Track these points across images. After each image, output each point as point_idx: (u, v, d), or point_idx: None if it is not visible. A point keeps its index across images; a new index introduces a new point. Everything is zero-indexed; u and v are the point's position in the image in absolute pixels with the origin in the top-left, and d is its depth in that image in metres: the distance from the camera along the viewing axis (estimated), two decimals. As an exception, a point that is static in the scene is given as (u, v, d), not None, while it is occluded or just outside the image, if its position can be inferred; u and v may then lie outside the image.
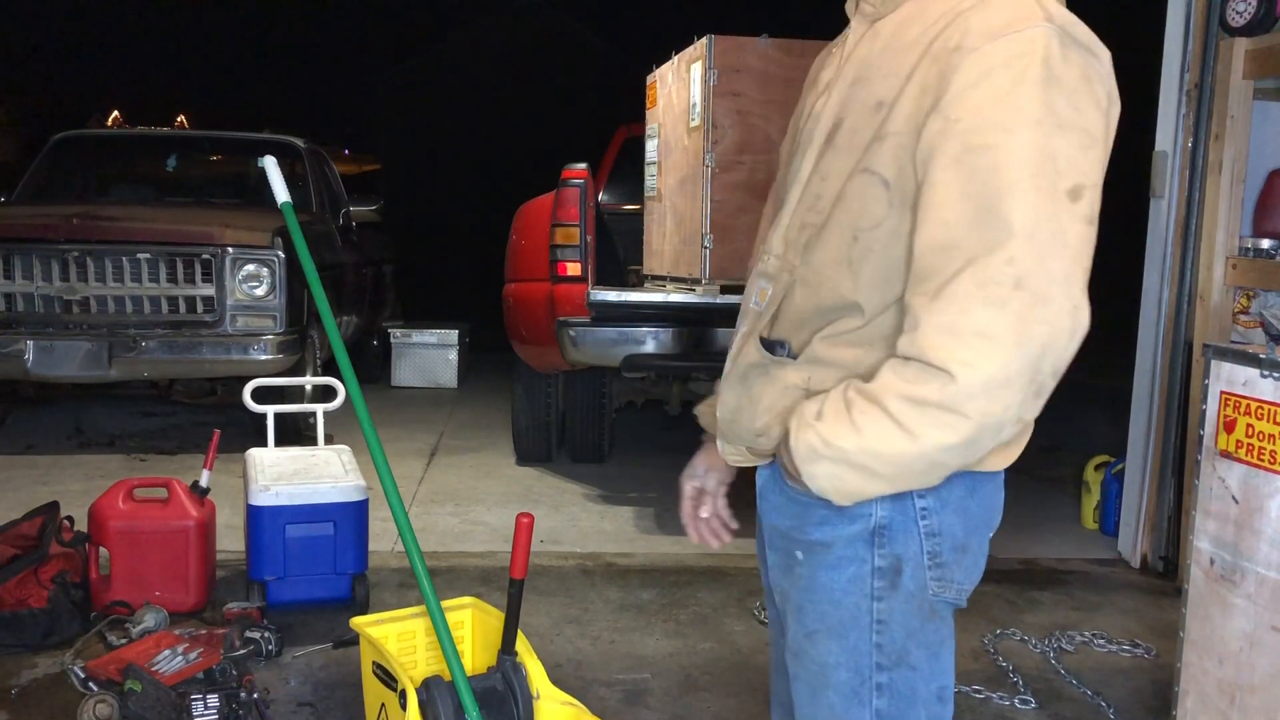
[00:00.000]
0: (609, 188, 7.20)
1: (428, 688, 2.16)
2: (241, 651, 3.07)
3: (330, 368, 5.55)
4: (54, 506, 3.57)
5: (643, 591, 3.89)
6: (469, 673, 2.23)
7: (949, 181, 1.23)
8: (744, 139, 4.22)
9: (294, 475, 3.61)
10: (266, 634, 3.18)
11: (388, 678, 2.32)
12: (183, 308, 5.43)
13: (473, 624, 2.58)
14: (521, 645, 2.32)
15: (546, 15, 19.39)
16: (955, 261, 1.21)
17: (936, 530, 1.37)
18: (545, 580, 3.94)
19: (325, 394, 4.27)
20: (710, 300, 4.30)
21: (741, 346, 1.48)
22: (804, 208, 1.42)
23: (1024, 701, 3.07)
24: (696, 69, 4.29)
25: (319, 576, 3.54)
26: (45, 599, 3.26)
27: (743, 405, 1.46)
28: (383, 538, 4.19)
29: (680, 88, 4.54)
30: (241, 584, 3.67)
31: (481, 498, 5.17)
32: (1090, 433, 5.90)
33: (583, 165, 4.68)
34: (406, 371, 8.52)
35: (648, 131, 5.11)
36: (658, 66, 4.94)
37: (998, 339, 1.18)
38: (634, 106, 5.92)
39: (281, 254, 5.47)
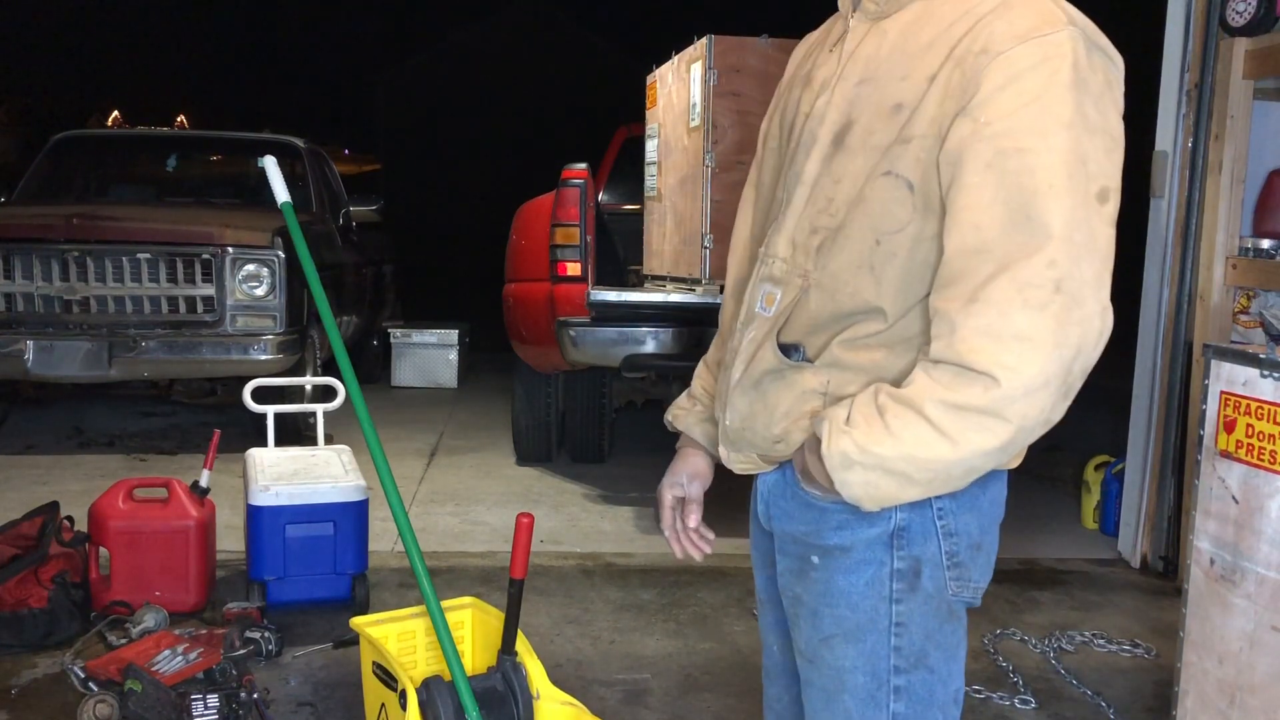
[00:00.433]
0: (609, 188, 7.20)
1: (428, 688, 2.16)
2: (241, 651, 3.06)
3: (330, 368, 5.55)
4: (54, 506, 3.57)
5: (643, 591, 3.89)
6: (469, 673, 2.23)
7: (981, 185, 1.22)
8: (744, 139, 4.21)
9: (294, 475, 3.61)
10: (266, 634, 3.18)
11: (388, 678, 2.32)
12: (183, 308, 5.43)
13: (473, 624, 2.58)
14: (521, 645, 2.32)
15: (546, 15, 19.40)
16: (988, 265, 1.21)
17: (954, 530, 1.37)
18: (545, 580, 3.94)
19: (325, 394, 4.27)
20: (710, 300, 4.30)
21: (754, 352, 1.43)
22: (814, 210, 1.39)
23: (1024, 701, 3.07)
24: (696, 69, 4.29)
25: (319, 576, 3.54)
26: (45, 599, 3.26)
27: (757, 412, 1.43)
28: (383, 538, 4.19)
29: (680, 88, 4.54)
30: (241, 584, 3.66)
31: (481, 498, 5.17)
32: (1090, 433, 5.89)
33: (583, 165, 4.68)
34: (406, 371, 8.52)
35: (648, 131, 5.11)
36: (658, 66, 4.94)
37: (1037, 342, 1.19)
38: (634, 106, 5.92)
39: (281, 254, 5.47)
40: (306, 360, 5.83)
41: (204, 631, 3.27)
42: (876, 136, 1.33)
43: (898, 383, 1.29)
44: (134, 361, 5.36)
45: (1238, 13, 3.73)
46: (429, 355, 8.53)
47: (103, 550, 3.48)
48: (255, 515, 3.48)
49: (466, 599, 2.62)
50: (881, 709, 1.39)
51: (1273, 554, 2.29)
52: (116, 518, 3.46)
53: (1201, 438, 2.51)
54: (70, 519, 3.57)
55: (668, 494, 1.67)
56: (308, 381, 4.95)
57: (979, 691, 3.10)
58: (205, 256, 5.42)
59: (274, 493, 3.48)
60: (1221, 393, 2.46)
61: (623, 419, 6.25)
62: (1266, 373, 2.35)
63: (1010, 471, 1.44)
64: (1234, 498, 2.40)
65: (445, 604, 2.36)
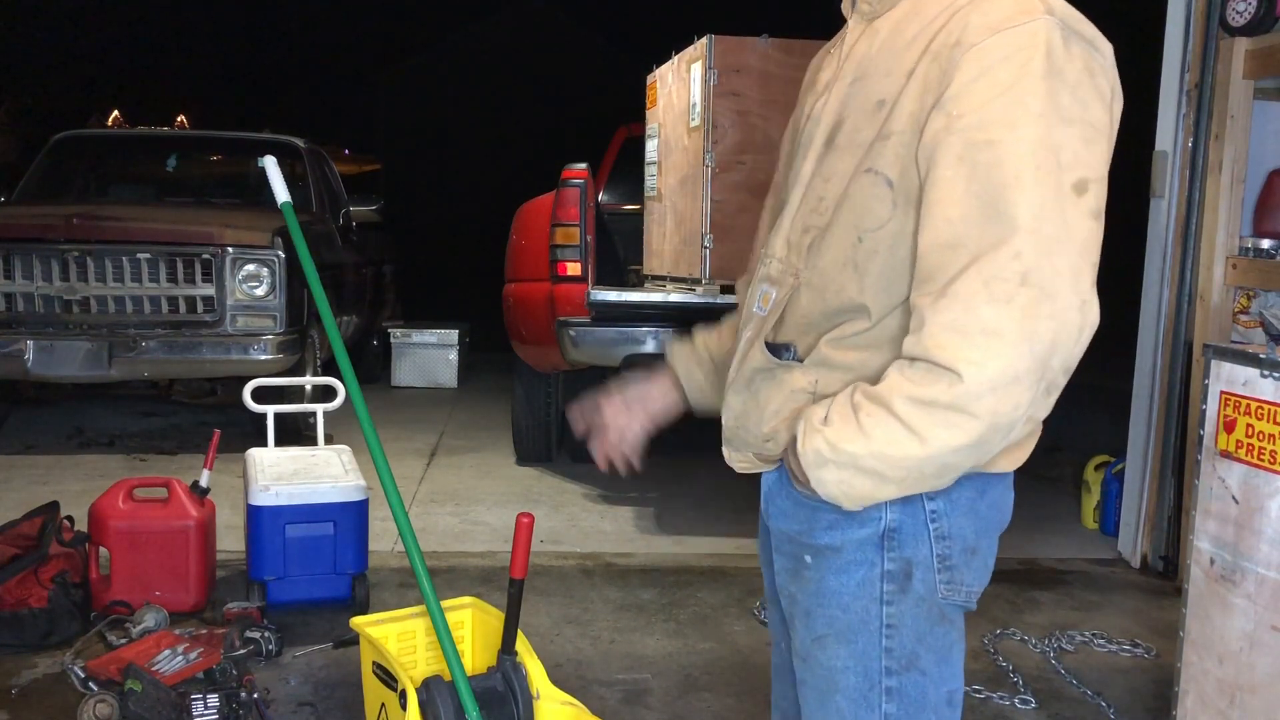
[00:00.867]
0: (609, 188, 7.19)
1: (428, 688, 2.16)
2: (241, 651, 3.07)
3: (330, 368, 5.55)
4: (54, 506, 3.57)
5: (643, 591, 3.89)
6: (469, 673, 2.23)
7: (952, 179, 1.22)
8: (744, 139, 4.22)
9: (294, 475, 3.60)
10: (266, 634, 3.18)
11: (388, 678, 2.32)
12: (183, 308, 5.43)
13: (473, 624, 2.58)
14: (521, 645, 2.32)
15: (546, 15, 19.39)
16: (960, 259, 1.20)
17: (946, 533, 1.36)
18: (545, 580, 3.94)
19: (325, 394, 4.27)
20: (710, 300, 4.30)
21: (746, 351, 1.46)
22: (806, 210, 1.41)
23: (1024, 701, 3.07)
24: (696, 69, 4.29)
25: (319, 576, 3.54)
26: (45, 599, 3.26)
27: (749, 410, 1.44)
28: (383, 538, 4.19)
29: (680, 88, 4.54)
30: (241, 584, 3.66)
31: (481, 498, 5.17)
32: (1090, 433, 5.90)
33: (583, 165, 4.68)
34: (406, 371, 8.52)
35: (648, 131, 5.11)
36: (658, 66, 4.94)
37: (1004, 336, 1.17)
38: (634, 106, 5.92)
39: (281, 254, 5.47)
40: (306, 360, 5.83)
41: (204, 631, 3.27)
42: (862, 134, 1.34)
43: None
44: (134, 361, 5.36)
45: (1238, 13, 3.73)
46: (429, 355, 8.53)
47: (103, 550, 3.48)
48: (255, 515, 3.48)
49: (466, 599, 2.62)
50: (874, 710, 1.39)
51: (1273, 554, 2.29)
52: (116, 518, 3.46)
53: (1201, 438, 2.51)
54: (70, 519, 3.57)
55: (610, 400, 1.68)
56: (308, 381, 4.95)
57: (979, 691, 3.10)
58: (205, 256, 5.42)
59: (274, 493, 3.48)
60: (1221, 393, 2.46)
61: (623, 419, 6.24)
62: (1266, 373, 2.35)
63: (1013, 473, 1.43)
64: (1234, 498, 2.40)
65: (445, 604, 2.36)
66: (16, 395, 6.43)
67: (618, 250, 5.89)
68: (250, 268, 5.44)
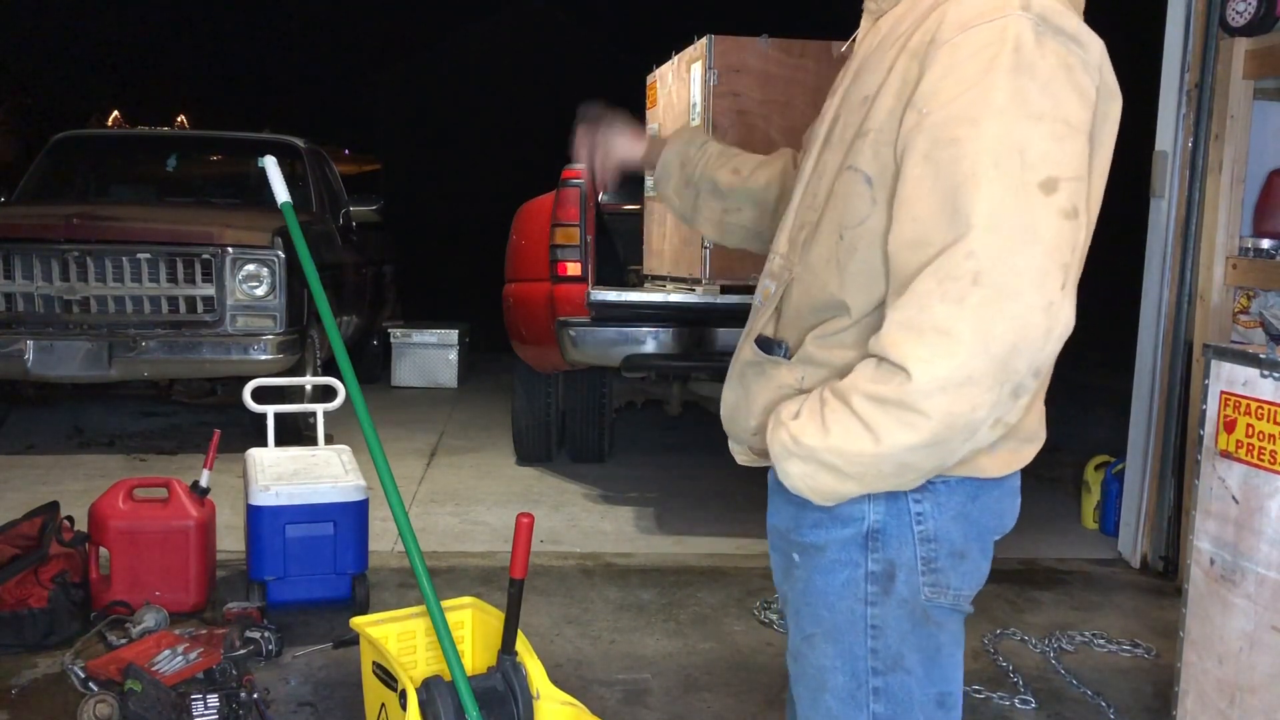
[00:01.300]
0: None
1: (428, 688, 2.16)
2: (241, 651, 3.07)
3: (330, 368, 5.55)
4: (54, 506, 3.57)
5: (643, 591, 3.89)
6: (469, 673, 2.23)
7: (919, 177, 1.21)
8: (744, 139, 4.21)
9: (294, 475, 3.61)
10: (266, 634, 3.18)
11: (388, 678, 2.32)
12: (183, 308, 5.43)
13: (473, 624, 2.58)
14: (521, 645, 2.32)
15: (546, 15, 19.39)
16: (921, 258, 1.19)
17: (932, 535, 1.35)
18: (545, 580, 3.94)
19: (325, 394, 4.27)
20: (710, 300, 4.30)
21: (741, 345, 1.48)
22: (804, 206, 1.43)
23: (1024, 701, 3.07)
24: (696, 69, 4.29)
25: (319, 576, 3.54)
26: (45, 599, 3.26)
27: (740, 404, 1.46)
28: (383, 538, 4.19)
29: (680, 88, 4.53)
30: (241, 584, 3.67)
31: (481, 498, 5.17)
32: (1090, 433, 5.91)
33: (583, 165, 4.67)
34: (406, 371, 8.52)
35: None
36: (658, 66, 4.94)
37: (957, 336, 1.15)
38: (634, 106, 5.91)
39: (281, 254, 5.47)
40: (306, 360, 5.83)
41: (204, 631, 3.27)
42: (848, 130, 1.35)
43: None
44: (134, 361, 5.36)
45: (1238, 13, 3.73)
46: (429, 355, 8.53)
47: (103, 550, 3.48)
48: (255, 515, 3.48)
49: (466, 599, 2.63)
50: (862, 709, 1.39)
51: (1273, 554, 2.29)
52: (116, 518, 3.46)
53: (1201, 438, 2.51)
54: (70, 519, 3.57)
55: (601, 129, 1.82)
56: (308, 381, 4.95)
57: (979, 691, 3.10)
58: (205, 256, 5.42)
59: (274, 493, 3.48)
60: (1221, 393, 2.46)
61: (623, 419, 6.25)
62: (1266, 373, 2.35)
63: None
64: (1234, 498, 2.40)
65: (445, 604, 2.36)
66: (16, 395, 6.43)
67: (618, 250, 5.89)
68: (250, 268, 5.44)
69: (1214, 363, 2.50)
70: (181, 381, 6.36)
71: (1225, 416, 2.44)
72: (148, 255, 5.39)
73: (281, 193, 2.45)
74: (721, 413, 1.52)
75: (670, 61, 4.73)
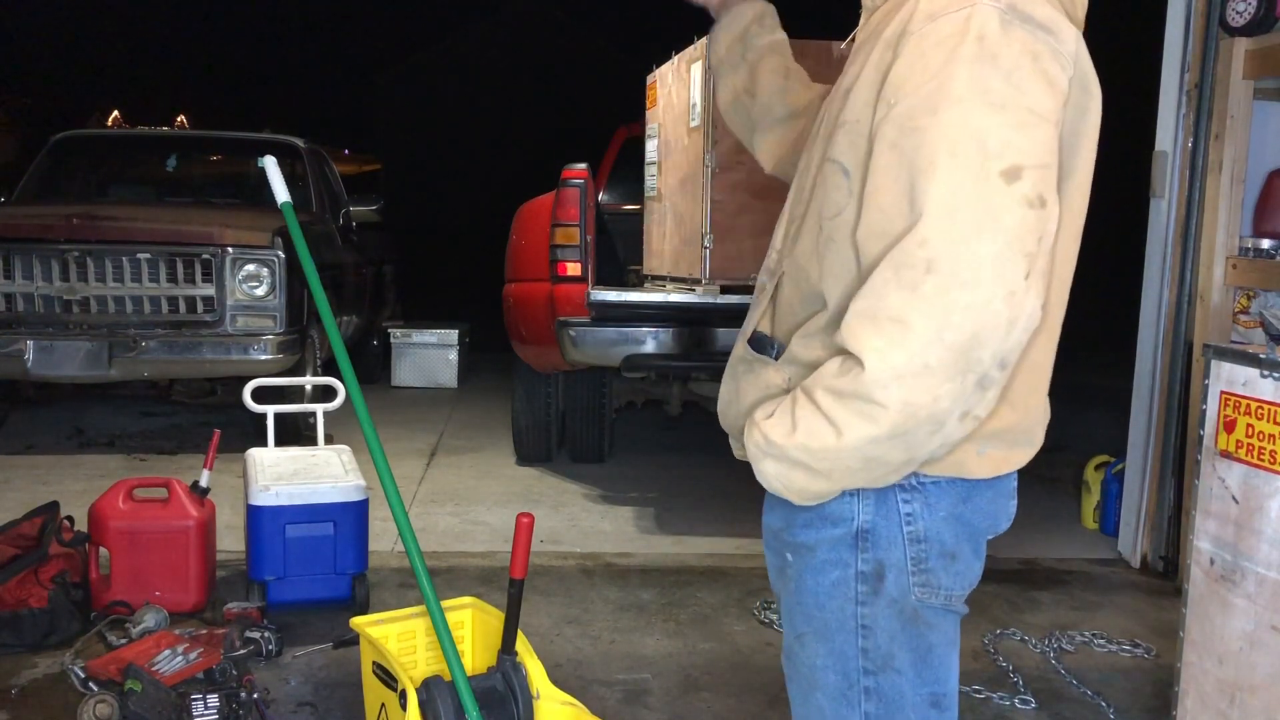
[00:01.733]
0: (609, 188, 7.19)
1: (428, 688, 2.16)
2: (241, 651, 3.07)
3: (330, 368, 5.55)
4: (54, 506, 3.57)
5: (643, 591, 3.89)
6: (469, 673, 2.23)
7: (885, 167, 1.21)
8: (744, 139, 4.21)
9: (294, 475, 3.60)
10: (266, 634, 3.18)
11: (388, 678, 2.32)
12: (183, 308, 5.43)
13: (473, 624, 2.58)
14: (521, 645, 2.32)
15: (546, 15, 19.39)
16: (886, 247, 1.19)
17: (922, 536, 1.34)
18: (545, 580, 3.94)
19: (325, 394, 4.27)
20: (710, 300, 4.30)
21: (738, 341, 1.49)
22: (795, 201, 1.44)
23: (1024, 701, 3.07)
24: (696, 69, 4.29)
25: (319, 576, 3.54)
26: (45, 599, 3.26)
27: (731, 400, 1.47)
28: (383, 538, 4.19)
29: (680, 88, 4.53)
30: (241, 584, 3.66)
31: (481, 498, 5.17)
32: (1090, 433, 5.90)
33: (583, 165, 4.68)
34: (406, 371, 8.52)
35: (648, 131, 5.11)
36: (658, 66, 4.94)
37: (909, 325, 1.14)
38: (634, 106, 5.92)
39: (281, 254, 5.47)
40: (306, 360, 5.83)
41: (204, 631, 3.27)
42: (830, 122, 1.35)
43: None
44: (134, 361, 5.35)
45: (1238, 13, 3.73)
46: (429, 355, 8.53)
47: (103, 550, 3.48)
48: (255, 515, 3.48)
49: (466, 599, 2.63)
50: (854, 708, 1.39)
51: (1273, 554, 2.29)
52: (116, 518, 3.46)
53: (1201, 438, 2.51)
54: (70, 519, 3.57)
55: None
56: (308, 381, 4.95)
57: (979, 691, 3.10)
58: (205, 256, 5.42)
59: (274, 493, 3.48)
60: (1221, 393, 2.46)
61: (623, 419, 6.25)
62: (1266, 373, 2.35)
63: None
64: (1234, 498, 2.40)
65: (445, 604, 2.36)
66: (16, 395, 6.43)
67: (618, 250, 5.89)
68: (250, 268, 5.44)
69: (1214, 363, 2.50)
70: (181, 381, 6.36)
71: (1225, 416, 2.44)
72: (148, 255, 5.39)
73: (281, 193, 2.45)
74: (717, 407, 1.53)
75: (670, 61, 4.73)
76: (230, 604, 3.43)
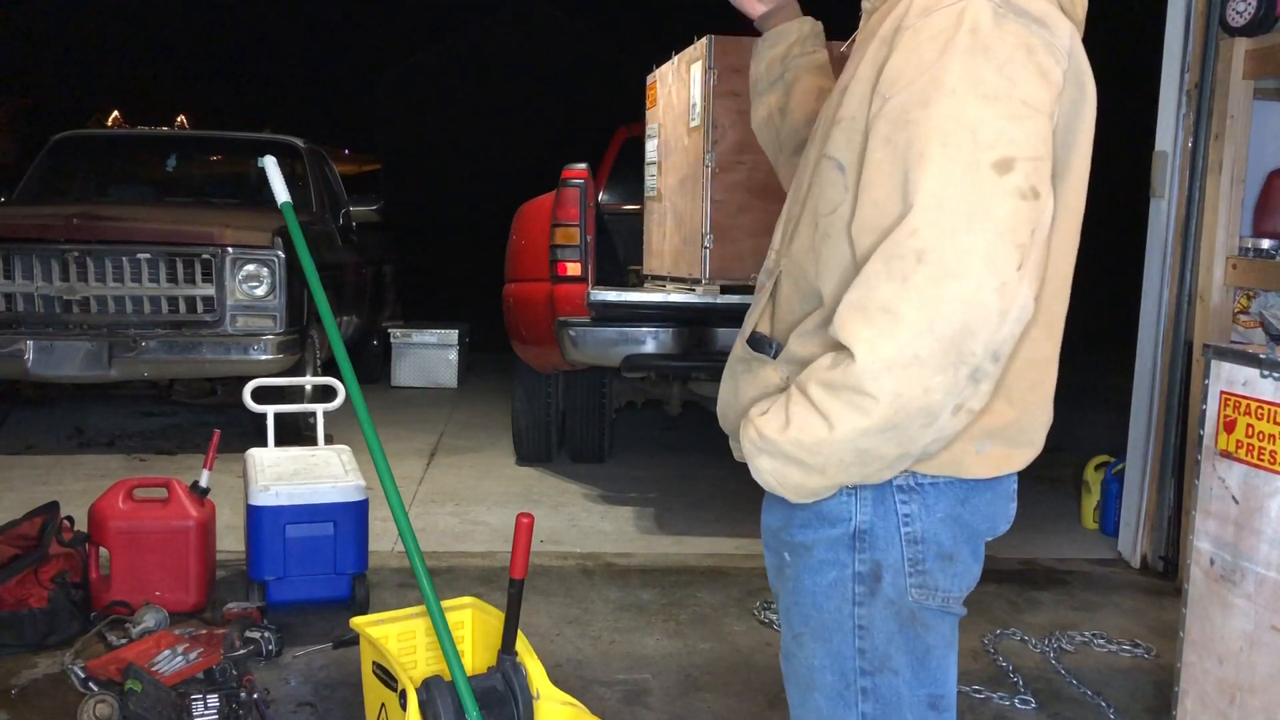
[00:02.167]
0: (609, 188, 7.19)
1: (428, 688, 2.16)
2: (241, 651, 3.07)
3: (330, 368, 5.55)
4: (54, 506, 3.57)
5: (643, 591, 3.89)
6: (469, 673, 2.23)
7: (879, 161, 1.21)
8: (744, 139, 4.21)
9: (294, 475, 3.61)
10: (266, 634, 3.18)
11: (388, 678, 2.32)
12: (183, 308, 5.43)
13: (473, 624, 2.58)
14: (521, 645, 2.32)
15: (546, 15, 19.39)
16: (878, 240, 1.20)
17: (919, 537, 1.34)
18: (545, 580, 3.94)
19: (325, 394, 4.27)
20: (710, 300, 4.30)
21: (737, 340, 1.49)
22: (793, 200, 1.45)
23: (1024, 701, 3.07)
24: (696, 69, 4.29)
25: (319, 576, 3.54)
26: (45, 599, 3.26)
27: (729, 400, 1.47)
28: (383, 538, 4.19)
29: (680, 88, 4.53)
30: (241, 584, 3.67)
31: (481, 498, 5.17)
32: (1090, 433, 5.90)
33: (583, 165, 4.68)
34: (406, 371, 8.52)
35: (648, 131, 5.11)
36: (658, 66, 4.94)
37: (899, 315, 1.14)
38: (634, 106, 5.92)
39: (281, 254, 5.47)
40: (306, 360, 5.83)
41: (204, 631, 3.27)
42: (827, 120, 1.36)
43: None
44: (134, 361, 5.36)
45: (1238, 13, 3.73)
46: (429, 355, 8.53)
47: (103, 550, 3.49)
48: (255, 515, 3.48)
49: (466, 599, 2.63)
50: (851, 708, 1.38)
51: (1273, 554, 2.29)
52: (116, 518, 3.46)
53: (1201, 438, 2.51)
54: (70, 519, 3.57)
55: None
56: (308, 381, 4.95)
57: (979, 691, 3.10)
58: (205, 256, 5.42)
59: (274, 493, 3.48)
60: (1221, 393, 2.46)
61: (623, 419, 6.25)
62: (1266, 373, 2.35)
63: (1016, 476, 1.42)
64: (1234, 498, 2.40)
65: (445, 604, 2.37)
66: (16, 395, 6.43)
67: (618, 250, 5.89)
68: (250, 268, 5.44)
69: (1214, 363, 2.50)
70: (181, 381, 6.36)
71: (1225, 416, 2.44)
72: (148, 255, 5.39)
73: (281, 193, 2.45)
74: (717, 408, 1.53)
75: (670, 61, 4.73)
76: (230, 604, 3.44)
